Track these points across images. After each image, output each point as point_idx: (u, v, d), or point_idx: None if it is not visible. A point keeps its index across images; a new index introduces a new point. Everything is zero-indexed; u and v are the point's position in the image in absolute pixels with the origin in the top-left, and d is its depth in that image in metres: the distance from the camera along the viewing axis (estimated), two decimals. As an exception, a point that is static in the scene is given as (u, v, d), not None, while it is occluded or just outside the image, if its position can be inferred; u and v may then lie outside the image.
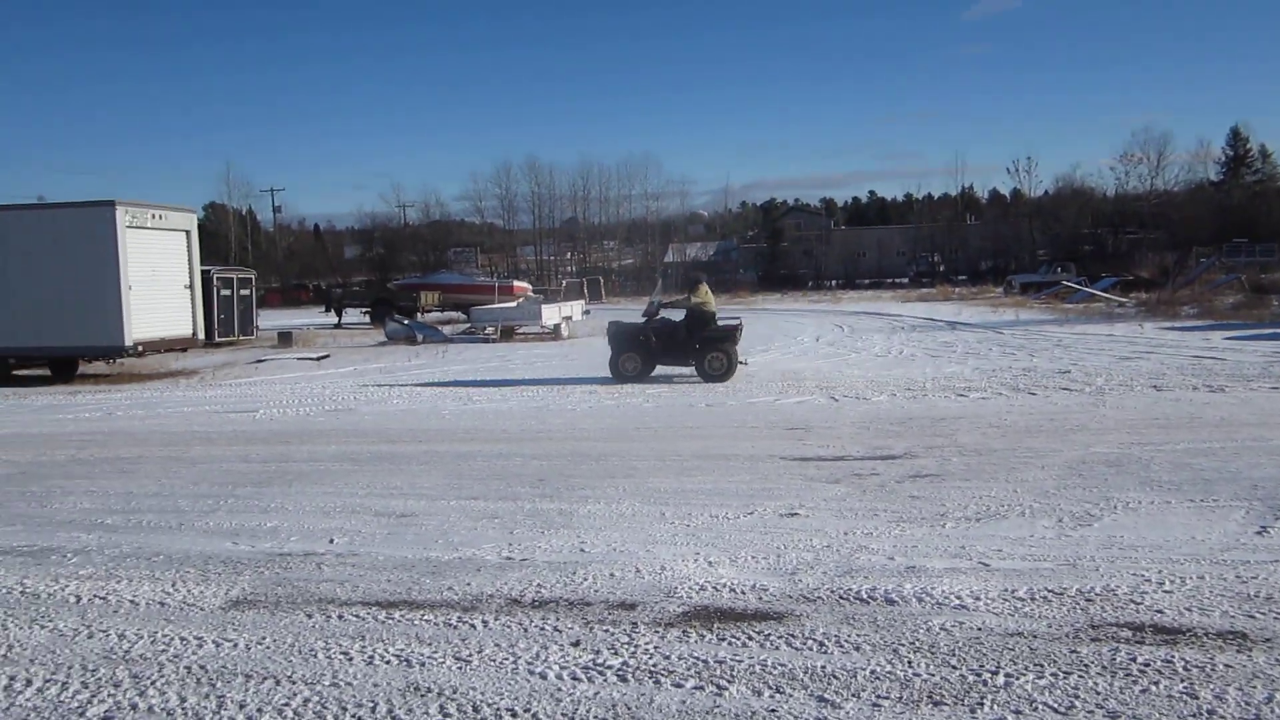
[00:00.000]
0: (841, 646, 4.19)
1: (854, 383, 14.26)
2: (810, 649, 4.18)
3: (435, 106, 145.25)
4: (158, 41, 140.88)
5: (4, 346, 18.83)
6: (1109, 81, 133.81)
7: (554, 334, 26.21)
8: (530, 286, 44.50)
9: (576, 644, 4.35)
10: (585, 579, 5.29)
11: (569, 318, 27.62)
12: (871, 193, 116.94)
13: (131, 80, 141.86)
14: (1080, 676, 3.80)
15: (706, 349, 15.16)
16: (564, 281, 53.99)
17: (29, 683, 4.25)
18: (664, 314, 15.66)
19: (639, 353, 15.49)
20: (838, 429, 10.21)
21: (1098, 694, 3.64)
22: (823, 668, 3.98)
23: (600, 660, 4.15)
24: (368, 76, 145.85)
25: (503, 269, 76.77)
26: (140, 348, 18.50)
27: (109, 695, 4.06)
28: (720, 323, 15.58)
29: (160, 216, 19.27)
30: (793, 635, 4.34)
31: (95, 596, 5.37)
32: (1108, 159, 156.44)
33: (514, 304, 32.07)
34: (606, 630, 4.50)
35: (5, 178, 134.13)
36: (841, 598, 4.82)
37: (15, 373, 19.49)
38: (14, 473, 9.28)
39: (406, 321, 27.99)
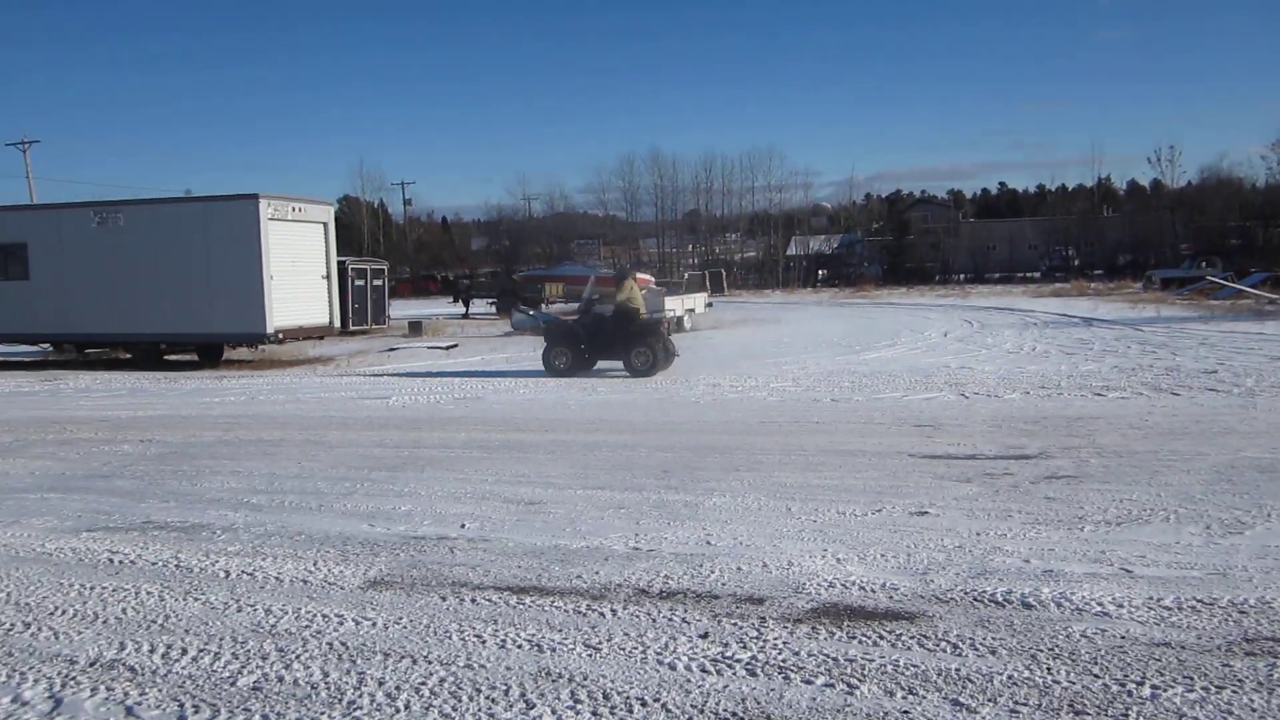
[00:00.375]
0: (976, 650, 4.10)
1: (985, 379, 13.91)
2: (944, 651, 4.10)
3: (562, 99, 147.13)
4: (297, 45, 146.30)
5: (156, 333, 19.86)
6: (1259, 65, 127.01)
7: (676, 326, 26.26)
8: (653, 278, 44.66)
9: (705, 636, 4.36)
10: (712, 572, 5.30)
11: (692, 310, 27.61)
12: (1002, 184, 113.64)
13: (272, 79, 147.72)
14: (1234, 692, 3.64)
15: (632, 344, 15.51)
16: (686, 274, 53.99)
17: (184, 651, 4.48)
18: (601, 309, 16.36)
19: (569, 348, 16.01)
20: (968, 426, 9.98)
21: (1254, 710, 3.48)
22: (957, 670, 3.90)
23: (729, 653, 4.15)
24: (496, 71, 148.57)
25: (626, 261, 77.32)
26: (280, 335, 19.27)
27: (257, 667, 4.25)
28: (646, 318, 16.10)
29: (300, 209, 20.01)
30: (925, 636, 4.27)
31: (243, 572, 5.62)
32: (1258, 146, 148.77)
33: (637, 296, 32.23)
34: (734, 624, 4.50)
35: (156, 172, 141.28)
36: (975, 600, 4.71)
37: (166, 357, 20.54)
38: (166, 452, 9.77)
39: (532, 312, 28.44)
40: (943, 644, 4.17)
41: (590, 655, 4.21)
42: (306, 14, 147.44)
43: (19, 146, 57.35)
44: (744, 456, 8.61)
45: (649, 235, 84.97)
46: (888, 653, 4.11)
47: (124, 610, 5.09)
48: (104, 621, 4.94)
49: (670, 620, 4.58)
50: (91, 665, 4.38)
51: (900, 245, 77.86)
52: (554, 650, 4.28)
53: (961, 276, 72.47)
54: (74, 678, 4.24)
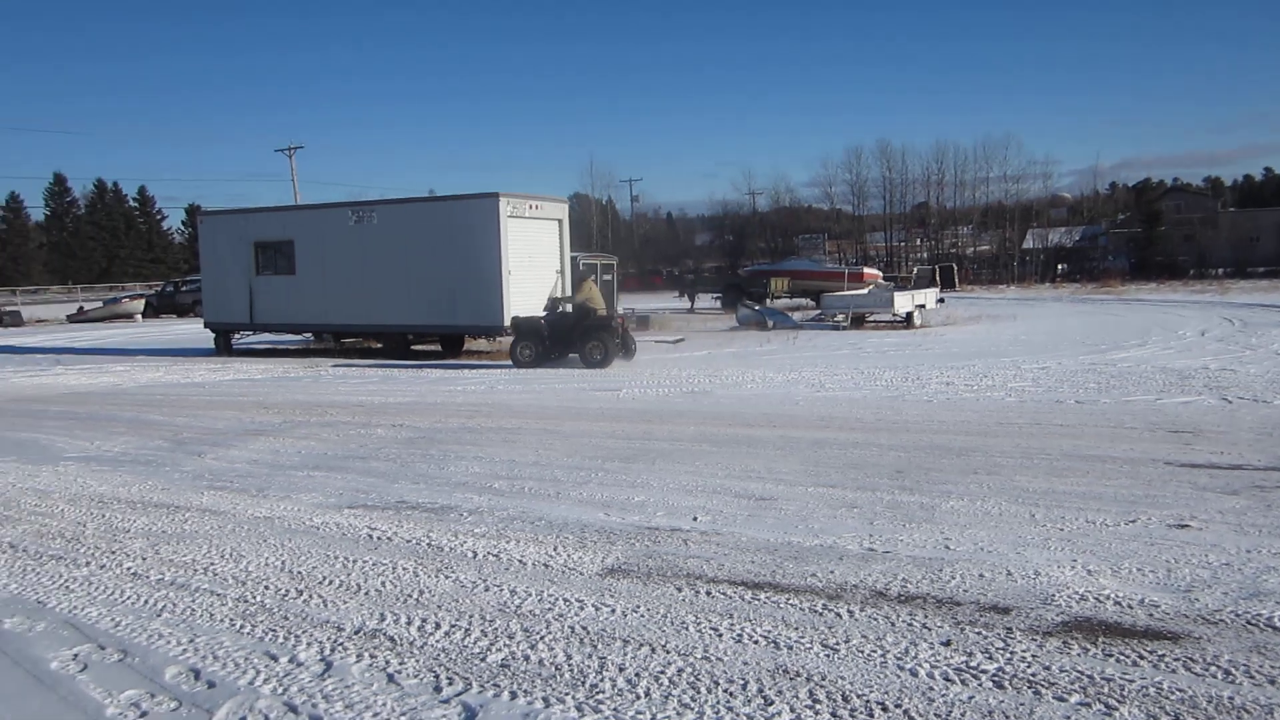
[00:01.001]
0: (1252, 678, 3.79)
1: (1250, 383, 12.81)
2: (1214, 677, 3.81)
3: (787, 93, 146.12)
4: (527, 50, 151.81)
5: (404, 324, 21.11)
6: None
7: (906, 323, 25.57)
8: (880, 273, 43.75)
9: (947, 644, 4.23)
10: (952, 577, 5.13)
11: (922, 306, 26.82)
12: (1268, 170, 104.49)
13: (507, 81, 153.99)
14: None
15: (588, 339, 17.31)
16: (915, 268, 52.52)
17: (438, 626, 4.74)
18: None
19: (534, 342, 17.78)
20: (1233, 434, 9.22)
21: None
22: (1230, 699, 3.61)
23: (974, 663, 4.01)
24: (723, 66, 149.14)
25: (851, 255, 76.01)
26: (517, 327, 20.08)
27: (504, 645, 4.45)
28: (602, 315, 17.60)
29: (536, 206, 20.77)
30: (1191, 659, 3.98)
31: (489, 554, 5.90)
32: None
33: (864, 291, 31.65)
34: (979, 633, 4.34)
35: (400, 173, 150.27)
36: (1249, 623, 4.36)
37: (413, 347, 21.80)
38: (416, 437, 10.38)
39: (757, 307, 28.42)
40: (1213, 669, 3.88)
41: (828, 655, 4.16)
42: (534, 17, 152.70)
43: (285, 152, 62.45)
44: (981, 459, 8.30)
45: (876, 229, 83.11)
46: (1150, 674, 3.85)
47: (383, 583, 5.45)
48: (365, 593, 5.30)
49: (910, 625, 4.47)
50: (356, 633, 4.71)
51: (1149, 237, 72.67)
52: (791, 648, 4.26)
53: (1220, 271, 66.77)
54: (341, 644, 4.58)
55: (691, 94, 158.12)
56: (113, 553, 6.32)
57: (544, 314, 17.93)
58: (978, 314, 29.64)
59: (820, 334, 24.37)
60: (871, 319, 26.51)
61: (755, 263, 57.19)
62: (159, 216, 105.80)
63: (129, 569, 5.94)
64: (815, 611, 4.69)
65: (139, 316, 46.40)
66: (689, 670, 4.07)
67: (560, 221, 21.53)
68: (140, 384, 17.26)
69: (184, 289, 47.43)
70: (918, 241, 79.29)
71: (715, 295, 39.13)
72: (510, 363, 18.14)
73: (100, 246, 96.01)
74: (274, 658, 4.44)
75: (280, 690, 4.09)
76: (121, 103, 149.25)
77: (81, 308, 50.18)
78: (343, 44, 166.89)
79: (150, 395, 15.49)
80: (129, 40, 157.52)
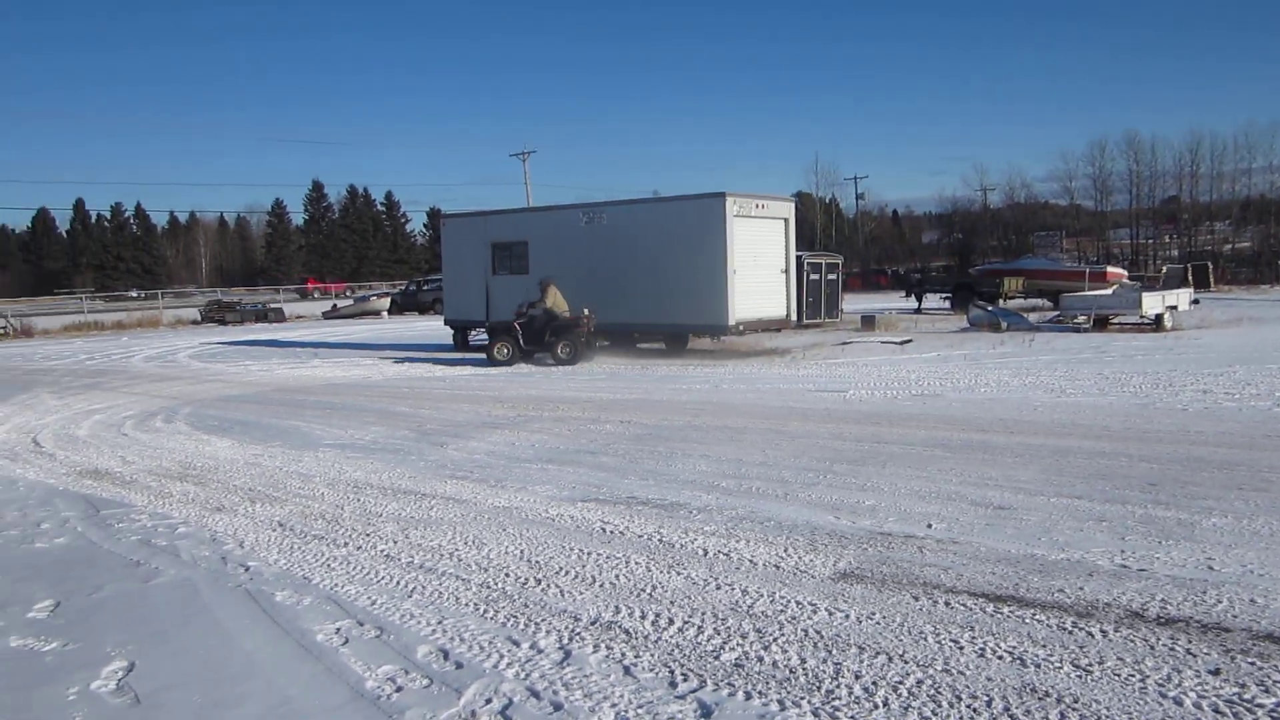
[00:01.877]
0: None
1: None
2: None
3: (1023, 83, 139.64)
4: (755, 47, 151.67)
5: (630, 322, 21.52)
6: None
7: (1155, 325, 23.90)
8: (1125, 272, 41.09)
9: (1216, 673, 3.92)
10: (1218, 601, 4.75)
11: (1173, 307, 24.98)
12: None
13: (724, 84, 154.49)
14: None
15: (557, 339, 19.27)
16: (1164, 267, 49.01)
17: (671, 621, 4.81)
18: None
19: (510, 342, 19.53)
20: None
21: None
22: None
23: (1247, 696, 3.70)
24: (952, 59, 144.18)
25: (1092, 253, 71.76)
26: (741, 327, 20.08)
27: (738, 645, 4.46)
28: (568, 318, 19.29)
29: (762, 206, 20.69)
30: None
31: (719, 552, 5.93)
32: None
33: (1108, 291, 29.80)
34: (1252, 663, 4.00)
35: (625, 174, 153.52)
36: None
37: (639, 345, 22.20)
38: (643, 434, 10.56)
39: (990, 308, 27.27)
40: None
41: (1080, 677, 3.94)
42: (757, 13, 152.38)
43: (519, 156, 65.10)
44: (1247, 474, 7.64)
45: (1119, 225, 78.11)
46: None
47: (616, 576, 5.57)
48: (600, 585, 5.44)
49: (1172, 650, 4.16)
50: (592, 624, 4.83)
51: None
52: (1038, 666, 4.06)
53: None
54: (578, 633, 4.71)
55: (919, 88, 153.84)
56: (368, 535, 6.75)
57: (513, 317, 19.80)
58: (1237, 316, 27.32)
59: (1059, 336, 23.13)
60: (1116, 321, 24.92)
61: (987, 261, 54.95)
62: (403, 220, 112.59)
63: (382, 551, 6.33)
64: (1064, 629, 4.45)
65: (385, 313, 49.45)
66: (929, 682, 3.95)
67: (786, 220, 21.36)
68: (387, 377, 18.38)
69: (425, 288, 50.11)
70: (1167, 238, 73.94)
71: (944, 295, 37.80)
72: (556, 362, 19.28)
73: (351, 248, 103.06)
74: (516, 643, 4.61)
75: (523, 675, 4.25)
76: (372, 113, 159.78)
77: (335, 305, 54.00)
78: (569, 48, 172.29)
79: (396, 388, 16.46)
80: (380, 56, 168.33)
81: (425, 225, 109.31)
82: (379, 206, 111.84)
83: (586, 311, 19.58)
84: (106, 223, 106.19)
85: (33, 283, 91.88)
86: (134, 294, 75.13)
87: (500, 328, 20.05)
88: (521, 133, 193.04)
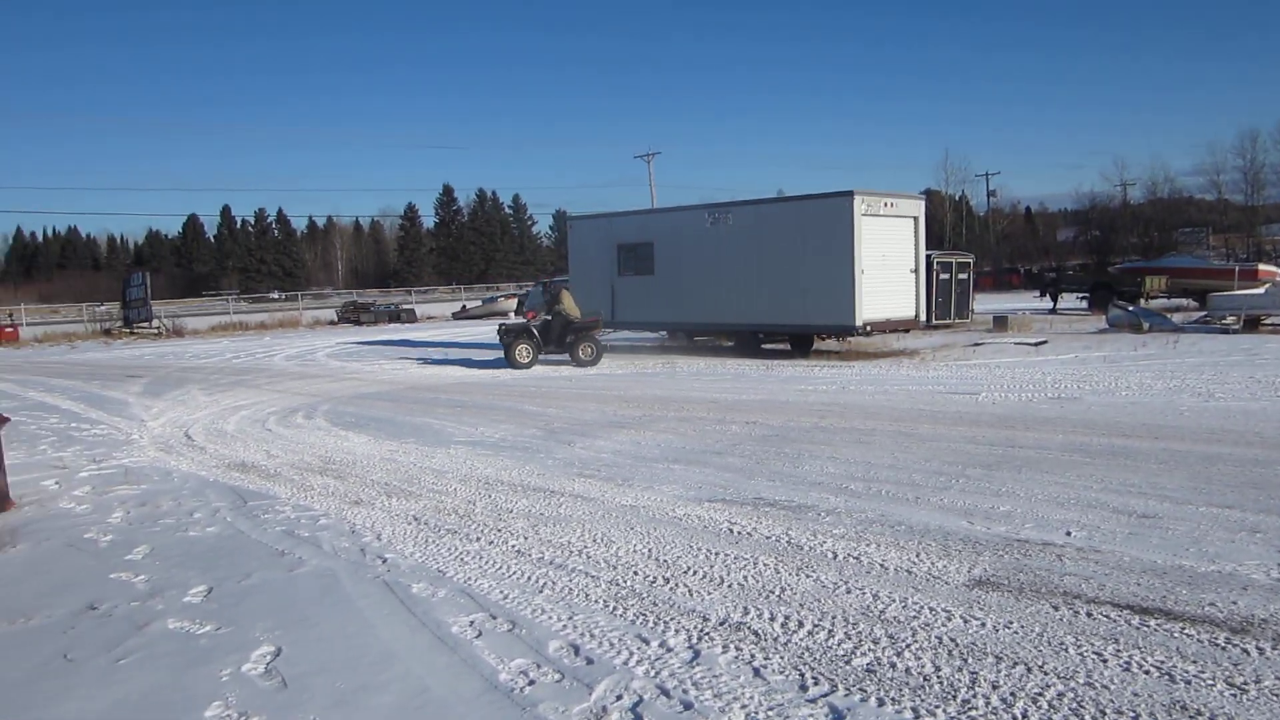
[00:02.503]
0: None
1: None
2: None
3: (1165, 72, 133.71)
4: (879, 47, 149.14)
5: (756, 323, 21.43)
6: None
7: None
8: (1278, 270, 38.94)
9: (1386, 696, 3.70)
10: (1388, 620, 4.47)
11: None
12: None
13: (860, 79, 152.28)
14: None
15: (578, 343, 19.92)
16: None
17: (800, 624, 4.77)
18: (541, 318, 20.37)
19: (530, 344, 19.95)
20: None
21: None
22: None
23: None
24: (1088, 51, 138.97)
25: (1241, 250, 68.24)
26: (869, 328, 19.77)
27: (869, 650, 4.40)
28: (581, 322, 20.10)
29: (891, 204, 20.34)
30: None
31: (849, 555, 5.86)
32: None
33: (1260, 290, 28.29)
34: None
35: (750, 174, 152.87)
36: None
37: (763, 346, 22.09)
38: (769, 435, 10.50)
39: (1131, 308, 26.19)
40: None
41: (1235, 696, 3.76)
42: (886, 17, 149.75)
43: (644, 158, 65.49)
44: None
45: (1272, 220, 74.13)
46: None
47: (745, 577, 5.55)
48: (729, 585, 5.43)
49: (1336, 670, 3.94)
50: (721, 624, 4.83)
51: None
52: (1188, 683, 3.89)
53: None
54: (707, 633, 4.72)
55: (1055, 79, 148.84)
56: (499, 530, 6.90)
57: (526, 321, 20.75)
58: None
59: (1205, 338, 22.07)
60: (1269, 322, 23.64)
61: (1127, 259, 52.81)
62: (530, 222, 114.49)
63: (513, 546, 6.46)
64: (1216, 645, 4.25)
65: (512, 314, 50.40)
66: (1070, 695, 3.83)
67: (915, 219, 20.94)
68: (515, 377, 18.71)
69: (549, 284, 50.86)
70: (1325, 234, 69.80)
71: (1081, 295, 36.47)
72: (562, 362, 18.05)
73: (479, 250, 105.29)
74: (645, 641, 4.65)
75: (652, 673, 4.28)
76: (501, 116, 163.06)
77: (464, 306, 55.27)
78: (693, 47, 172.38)
79: (524, 387, 16.75)
80: (507, 57, 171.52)
81: (551, 227, 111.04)
82: (507, 209, 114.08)
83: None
84: (251, 228, 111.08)
85: (183, 285, 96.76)
86: (275, 295, 78.39)
87: (517, 330, 20.63)
88: (646, 133, 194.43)
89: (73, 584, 6.07)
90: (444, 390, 16.66)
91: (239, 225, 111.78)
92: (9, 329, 39.49)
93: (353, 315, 49.67)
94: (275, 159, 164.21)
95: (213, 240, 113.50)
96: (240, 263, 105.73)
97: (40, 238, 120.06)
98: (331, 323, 49.34)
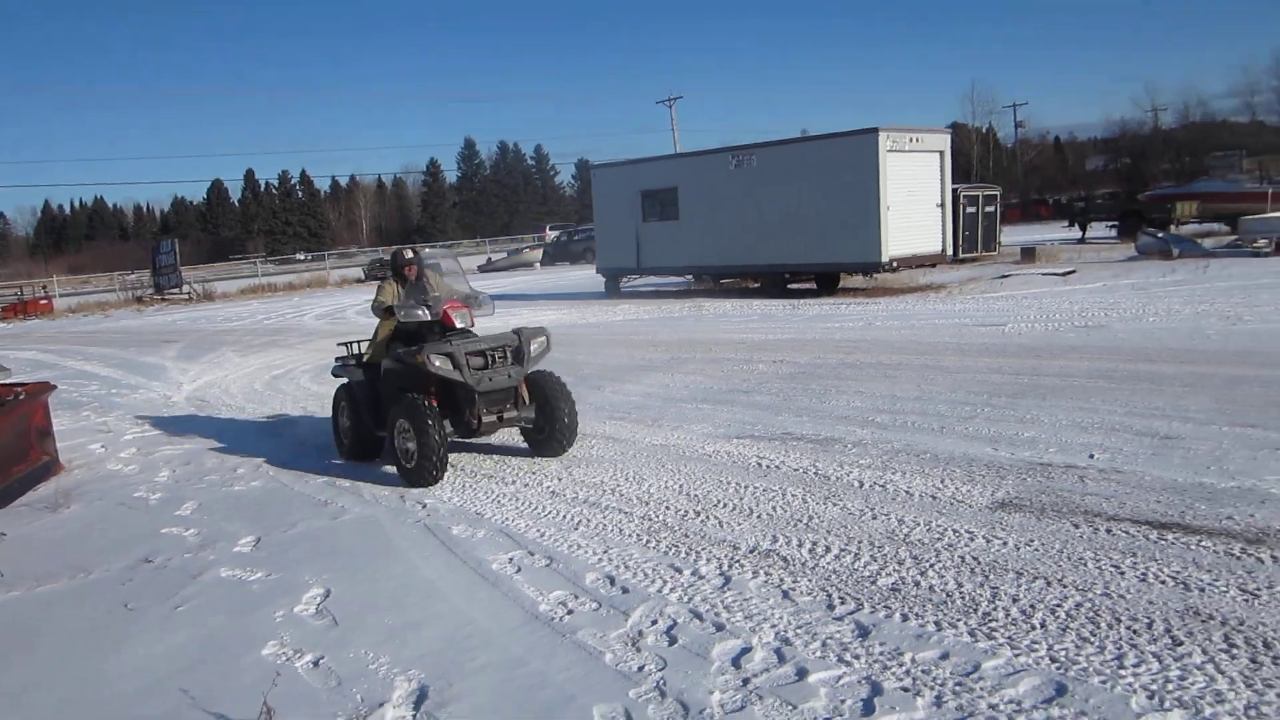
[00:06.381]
0: None
1: None
2: None
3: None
4: None
5: (781, 263, 21.44)
6: None
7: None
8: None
9: (1395, 595, 3.81)
10: (1404, 527, 4.57)
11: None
12: None
13: (883, 13, 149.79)
14: None
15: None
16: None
17: (828, 549, 4.93)
18: None
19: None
20: None
21: None
22: None
23: None
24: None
25: (1276, 173, 67.00)
26: (895, 263, 19.74)
27: (894, 570, 4.56)
28: None
29: (917, 139, 20.20)
30: None
31: (875, 484, 6.00)
32: None
33: (1293, 212, 27.87)
34: None
35: (773, 116, 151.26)
36: None
37: (789, 286, 22.11)
38: (796, 372, 10.62)
39: (1160, 234, 25.94)
40: None
41: (1246, 601, 3.89)
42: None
43: (665, 103, 64.88)
44: None
45: (1310, 140, 72.53)
46: None
47: (773, 508, 5.72)
48: (758, 516, 5.60)
49: (1349, 574, 4.06)
50: (751, 552, 5.00)
51: None
52: (1203, 590, 4.02)
53: None
54: (738, 561, 4.89)
55: (1084, 6, 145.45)
56: (533, 473, 7.09)
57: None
58: None
59: (1236, 262, 21.85)
60: (1302, 243, 23.36)
61: (1157, 186, 52.03)
62: (553, 172, 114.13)
63: (548, 488, 6.65)
64: (1232, 555, 4.38)
65: (537, 265, 50.50)
66: (1088, 606, 3.97)
67: (942, 154, 20.81)
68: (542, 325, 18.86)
69: (575, 238, 50.84)
70: (1363, 153, 68.30)
71: (1110, 223, 36.05)
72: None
73: (502, 203, 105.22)
74: (678, 570, 4.83)
75: (685, 599, 4.46)
76: (520, 66, 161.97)
77: (489, 259, 55.41)
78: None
79: (554, 335, 16.89)
80: (523, 7, 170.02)
81: (574, 176, 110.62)
82: (529, 160, 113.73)
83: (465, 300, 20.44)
84: (274, 190, 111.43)
85: (210, 249, 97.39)
86: (301, 256, 78.81)
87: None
88: (667, 78, 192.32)
89: (127, 540, 6.33)
90: (474, 342, 16.85)
91: (263, 188, 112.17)
92: (43, 301, 40.08)
93: (380, 272, 49.91)
94: (297, 121, 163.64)
95: (237, 205, 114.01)
96: (265, 225, 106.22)
97: (68, 210, 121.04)
98: (359, 281, 49.64)
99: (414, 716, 3.60)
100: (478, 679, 3.82)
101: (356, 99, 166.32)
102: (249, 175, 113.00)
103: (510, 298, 27.90)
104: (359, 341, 8.67)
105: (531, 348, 7.76)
